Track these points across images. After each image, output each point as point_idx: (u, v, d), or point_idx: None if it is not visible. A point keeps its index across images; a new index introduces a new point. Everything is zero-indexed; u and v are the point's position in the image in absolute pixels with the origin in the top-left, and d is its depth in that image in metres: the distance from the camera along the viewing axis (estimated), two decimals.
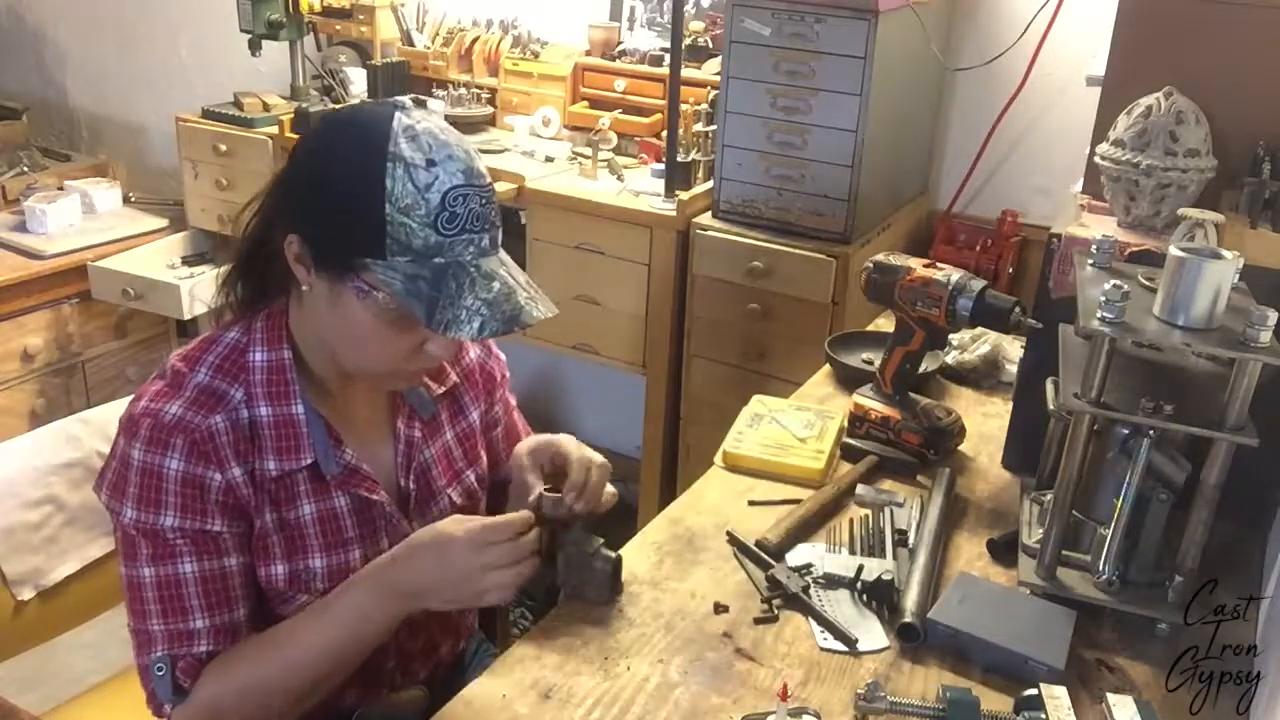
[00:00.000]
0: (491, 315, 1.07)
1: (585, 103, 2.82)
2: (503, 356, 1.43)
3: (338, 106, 2.90)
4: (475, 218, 1.08)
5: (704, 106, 2.49)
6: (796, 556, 1.39)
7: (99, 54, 3.83)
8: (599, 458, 1.28)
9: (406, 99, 1.13)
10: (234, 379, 1.15)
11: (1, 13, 3.97)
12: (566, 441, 1.30)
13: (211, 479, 1.12)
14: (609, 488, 1.31)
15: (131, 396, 1.18)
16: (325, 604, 1.16)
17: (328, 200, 1.08)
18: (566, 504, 1.23)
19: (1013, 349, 1.90)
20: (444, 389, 1.32)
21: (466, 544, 1.11)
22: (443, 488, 1.31)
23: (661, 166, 2.47)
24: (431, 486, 1.30)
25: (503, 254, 1.14)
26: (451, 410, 1.34)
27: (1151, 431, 1.22)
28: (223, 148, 2.96)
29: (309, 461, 1.17)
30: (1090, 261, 1.33)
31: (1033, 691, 1.13)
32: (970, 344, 1.91)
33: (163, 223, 3.33)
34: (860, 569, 1.33)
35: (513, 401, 1.46)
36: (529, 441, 1.33)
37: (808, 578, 1.34)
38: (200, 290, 2.96)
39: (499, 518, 1.14)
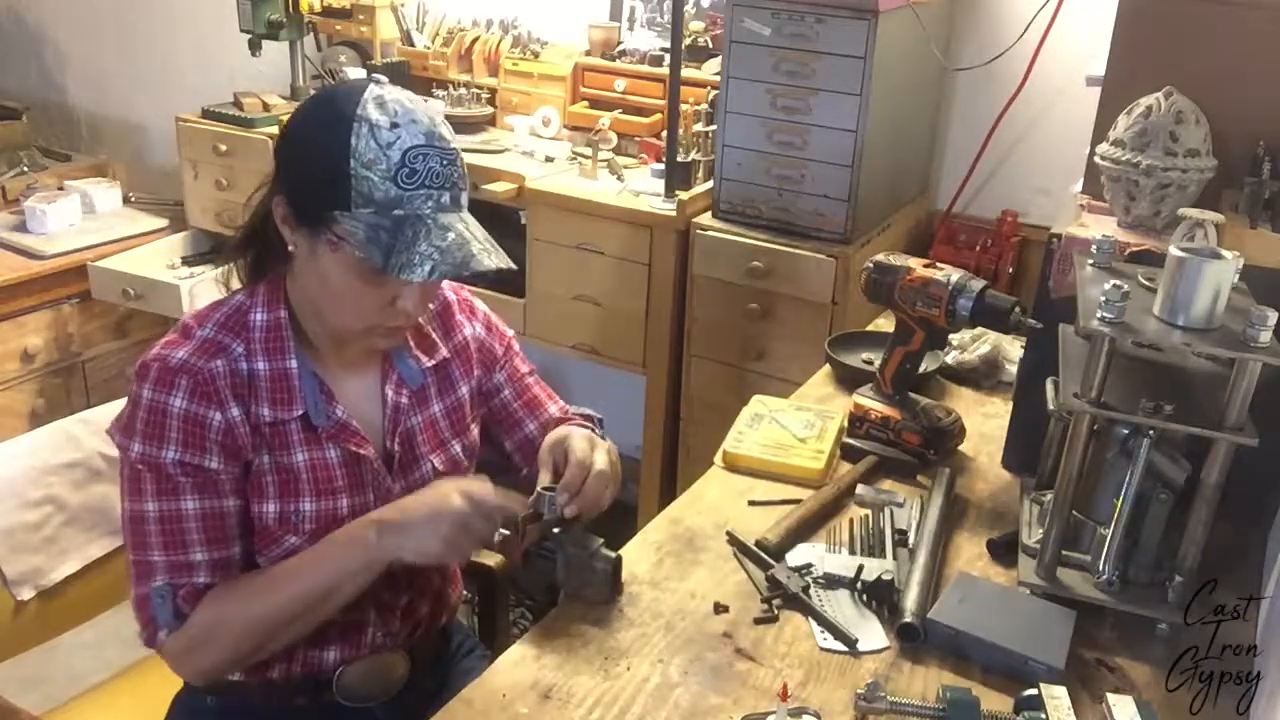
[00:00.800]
0: (443, 260, 1.14)
1: (585, 103, 2.82)
2: (508, 333, 1.49)
3: None
4: (435, 175, 1.16)
5: (704, 106, 2.49)
6: (796, 556, 1.39)
7: (99, 54, 3.83)
8: (600, 462, 1.29)
9: (374, 76, 1.22)
10: (236, 335, 1.24)
11: (1, 13, 3.97)
12: (575, 438, 1.32)
13: (211, 418, 1.20)
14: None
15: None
16: (317, 547, 1.24)
17: (303, 160, 1.18)
18: (559, 504, 1.24)
19: (1013, 349, 1.90)
20: (434, 363, 1.37)
21: (459, 507, 1.18)
22: (425, 454, 1.36)
23: (661, 166, 2.47)
24: (415, 452, 1.35)
25: (465, 214, 1.21)
26: (441, 385, 1.39)
27: (1151, 431, 1.22)
28: (223, 148, 2.96)
29: (300, 412, 1.25)
30: (1090, 261, 1.33)
31: (1033, 691, 1.13)
32: (970, 344, 1.91)
33: (163, 223, 3.32)
34: (860, 569, 1.33)
35: (524, 369, 1.49)
36: (552, 435, 1.37)
37: (808, 578, 1.34)
38: (200, 290, 2.96)
39: (497, 501, 1.21)
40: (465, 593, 1.57)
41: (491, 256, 1.18)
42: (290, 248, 1.22)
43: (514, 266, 1.21)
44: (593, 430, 1.43)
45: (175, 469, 1.19)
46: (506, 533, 1.22)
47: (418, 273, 1.12)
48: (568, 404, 1.52)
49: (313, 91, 2.99)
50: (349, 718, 1.34)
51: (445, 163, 1.17)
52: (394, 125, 1.14)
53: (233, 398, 1.21)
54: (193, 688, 1.35)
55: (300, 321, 1.27)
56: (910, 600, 1.27)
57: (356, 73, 3.01)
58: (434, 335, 1.38)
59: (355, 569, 1.21)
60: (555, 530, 1.26)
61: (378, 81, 1.18)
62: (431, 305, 1.37)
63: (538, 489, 1.26)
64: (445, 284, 1.41)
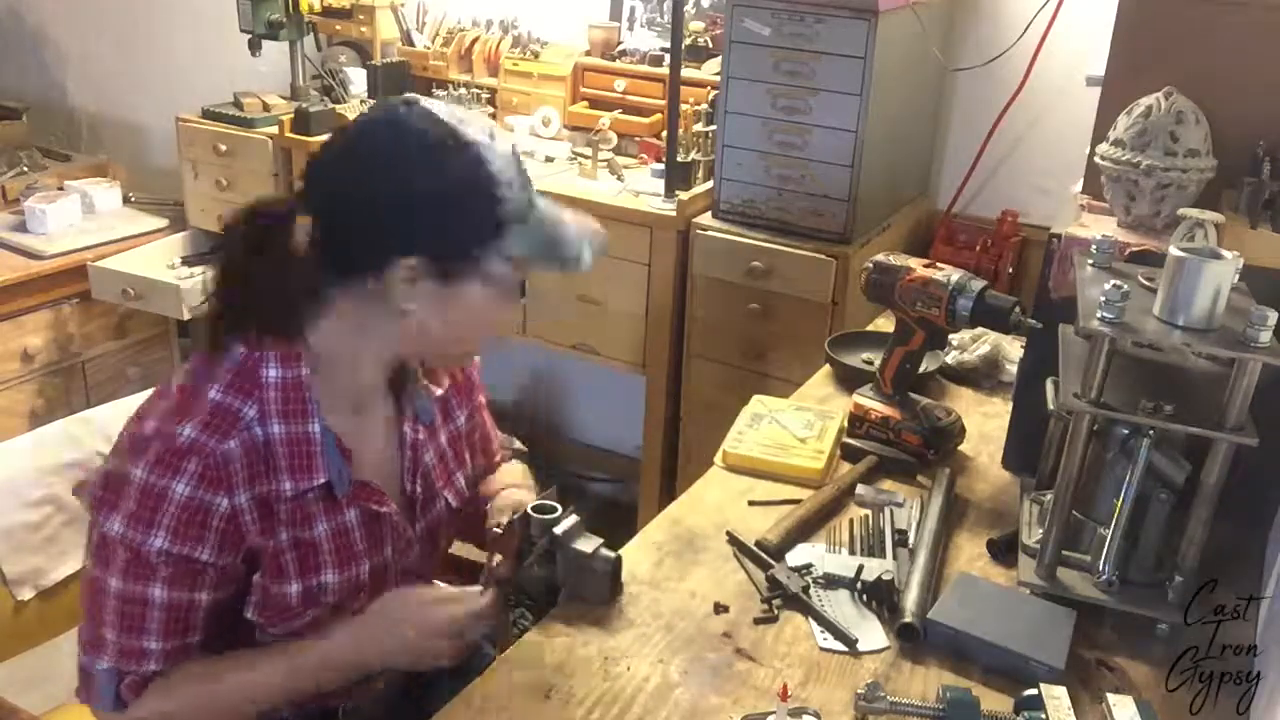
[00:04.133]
0: (580, 238, 1.14)
1: (585, 103, 2.82)
2: (477, 360, 1.43)
3: (336, 107, 2.90)
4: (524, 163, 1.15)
5: (704, 106, 2.49)
6: (796, 556, 1.39)
7: (99, 54, 3.83)
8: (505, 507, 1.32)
9: (403, 97, 1.13)
10: (247, 395, 1.12)
11: (1, 13, 3.97)
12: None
13: (218, 505, 1.09)
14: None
15: (134, 413, 1.16)
16: (290, 649, 1.18)
17: (442, 208, 1.08)
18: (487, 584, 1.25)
19: (1013, 349, 1.90)
20: (440, 393, 1.33)
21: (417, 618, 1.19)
22: (439, 490, 1.32)
23: (661, 166, 2.47)
24: (432, 490, 1.31)
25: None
26: (443, 415, 1.35)
27: (1151, 431, 1.22)
28: (223, 148, 2.96)
29: (322, 481, 1.16)
30: (1090, 261, 1.33)
31: (1033, 691, 1.13)
32: (970, 344, 1.91)
33: (163, 223, 3.32)
34: (860, 569, 1.33)
35: (482, 400, 1.46)
36: (500, 499, 1.38)
37: (808, 578, 1.34)
38: (201, 290, 2.96)
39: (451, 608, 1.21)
40: None
41: (588, 223, 1.19)
42: (410, 306, 1.11)
43: (597, 227, 1.21)
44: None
45: (157, 557, 1.08)
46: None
47: (585, 260, 1.12)
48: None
49: (313, 93, 3.02)
50: None
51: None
52: (491, 135, 1.09)
53: (245, 482, 1.10)
54: None
55: (323, 373, 1.16)
56: (910, 600, 1.27)
57: (357, 73, 3.01)
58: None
59: (318, 687, 1.19)
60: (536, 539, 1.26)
61: (412, 103, 1.10)
62: None
63: (525, 509, 1.27)
64: None
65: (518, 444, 1.52)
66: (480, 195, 1.07)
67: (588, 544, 1.27)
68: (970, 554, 1.42)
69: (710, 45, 2.68)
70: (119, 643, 1.12)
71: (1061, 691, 1.12)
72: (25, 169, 3.49)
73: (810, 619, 1.28)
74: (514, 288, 1.14)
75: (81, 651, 1.15)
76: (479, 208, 1.08)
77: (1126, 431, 1.26)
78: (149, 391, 1.63)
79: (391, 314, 1.13)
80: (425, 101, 1.11)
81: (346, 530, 1.20)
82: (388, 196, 1.09)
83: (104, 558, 1.11)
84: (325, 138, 1.17)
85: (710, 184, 2.40)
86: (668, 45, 2.53)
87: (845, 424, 1.66)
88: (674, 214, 2.36)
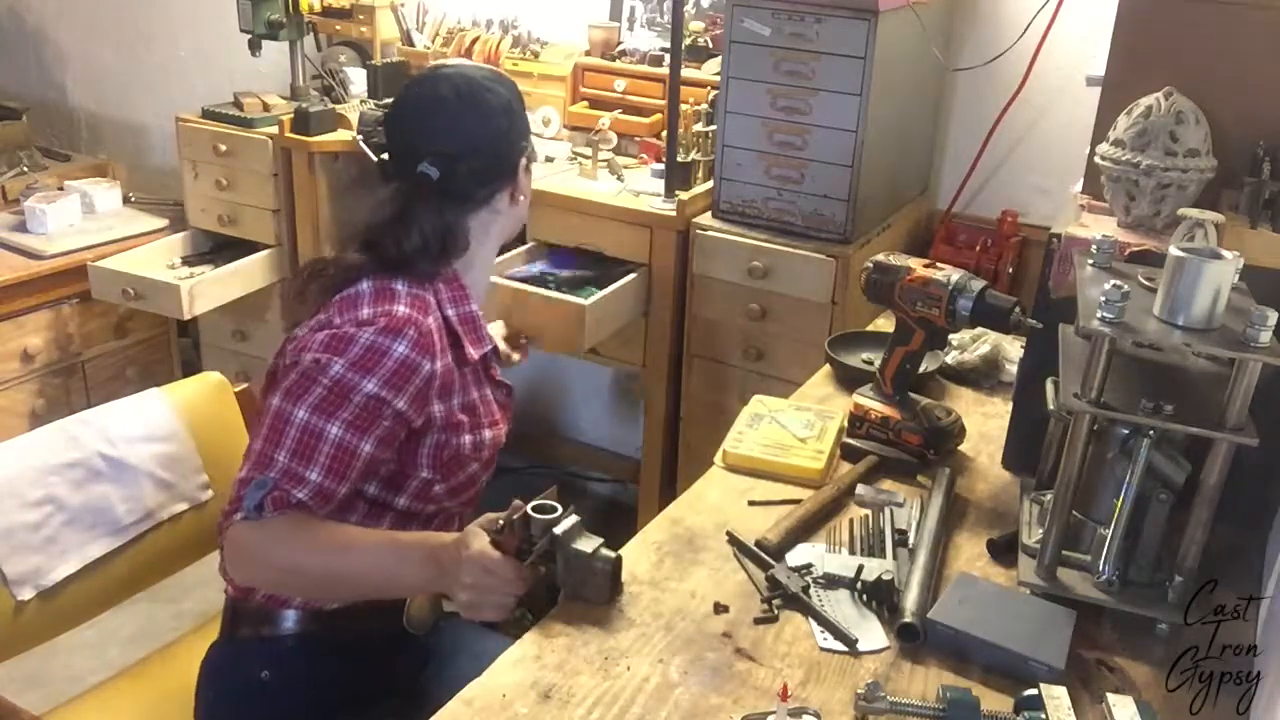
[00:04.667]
0: None
1: (585, 103, 2.82)
2: None
3: (336, 107, 2.90)
4: None
5: (704, 106, 2.49)
6: (796, 556, 1.39)
7: (99, 54, 3.83)
8: None
9: (435, 65, 1.50)
10: (424, 288, 1.41)
11: (1, 13, 3.97)
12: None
13: (423, 367, 1.35)
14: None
15: (322, 328, 1.35)
16: (394, 547, 1.32)
17: (523, 114, 1.50)
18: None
19: (1013, 349, 1.90)
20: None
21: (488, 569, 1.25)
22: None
23: (661, 166, 2.47)
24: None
25: None
26: None
27: (1151, 431, 1.22)
28: (223, 148, 2.96)
29: (490, 347, 1.49)
30: (1090, 261, 1.33)
31: (1033, 691, 1.13)
32: (970, 344, 1.91)
33: (163, 223, 3.32)
34: (860, 569, 1.33)
35: None
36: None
37: (808, 578, 1.34)
38: (201, 290, 2.95)
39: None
40: None
41: None
42: (521, 197, 1.51)
43: None
44: None
45: (359, 397, 1.30)
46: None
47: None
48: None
49: (313, 93, 3.02)
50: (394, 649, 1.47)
51: None
52: None
53: (442, 351, 1.37)
54: (238, 659, 1.45)
55: (464, 278, 1.47)
56: (910, 600, 1.27)
57: (357, 73, 3.01)
58: None
59: (415, 586, 1.34)
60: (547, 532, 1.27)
61: (448, 67, 1.48)
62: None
63: (525, 509, 1.27)
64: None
65: None
66: (524, 117, 1.50)
67: (588, 544, 1.27)
68: (970, 554, 1.42)
69: (710, 45, 2.68)
70: (286, 464, 1.28)
71: (1061, 691, 1.13)
72: (25, 169, 3.49)
73: (810, 619, 1.28)
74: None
75: (246, 468, 1.30)
76: (525, 112, 1.50)
77: (1126, 431, 1.26)
78: (149, 390, 1.64)
79: (506, 207, 1.49)
80: (450, 62, 1.40)
81: (490, 397, 1.50)
82: (506, 122, 1.45)
83: (300, 392, 1.30)
84: (395, 105, 1.49)
85: (710, 184, 2.41)
86: (668, 45, 2.53)
87: (845, 424, 1.66)
88: (674, 214, 2.36)
